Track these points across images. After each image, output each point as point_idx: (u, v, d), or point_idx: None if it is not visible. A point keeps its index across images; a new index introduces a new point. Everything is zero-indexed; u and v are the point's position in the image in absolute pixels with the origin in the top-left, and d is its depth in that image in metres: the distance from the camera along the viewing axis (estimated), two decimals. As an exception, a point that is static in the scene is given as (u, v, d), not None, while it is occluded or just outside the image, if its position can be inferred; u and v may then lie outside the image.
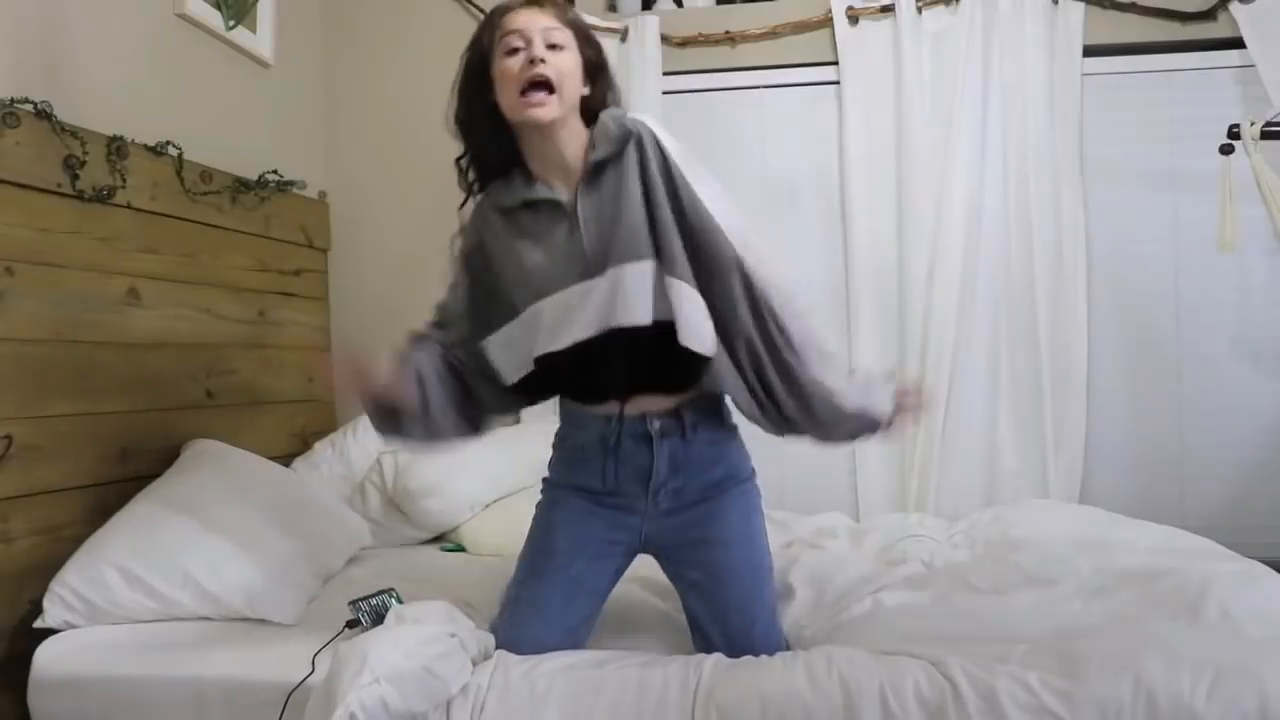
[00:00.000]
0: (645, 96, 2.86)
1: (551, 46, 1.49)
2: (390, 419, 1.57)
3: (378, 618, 1.65)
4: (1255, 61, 2.62)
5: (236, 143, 2.57)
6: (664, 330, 1.47)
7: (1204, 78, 2.77)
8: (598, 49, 1.57)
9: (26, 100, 1.85)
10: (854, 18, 2.84)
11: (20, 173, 1.84)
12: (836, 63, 2.85)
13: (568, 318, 1.51)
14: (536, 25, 1.49)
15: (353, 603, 1.73)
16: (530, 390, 1.62)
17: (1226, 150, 2.45)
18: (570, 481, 1.64)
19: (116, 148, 2.06)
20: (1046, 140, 2.74)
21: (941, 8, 2.80)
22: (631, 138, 1.50)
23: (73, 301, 1.98)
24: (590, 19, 2.88)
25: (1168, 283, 2.80)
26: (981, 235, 2.77)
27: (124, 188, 2.08)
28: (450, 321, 1.65)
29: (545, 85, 1.46)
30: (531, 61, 1.46)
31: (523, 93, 1.46)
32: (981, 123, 2.77)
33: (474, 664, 1.44)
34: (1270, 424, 2.74)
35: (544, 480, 1.71)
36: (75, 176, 1.96)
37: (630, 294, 1.47)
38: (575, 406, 1.64)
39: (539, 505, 1.68)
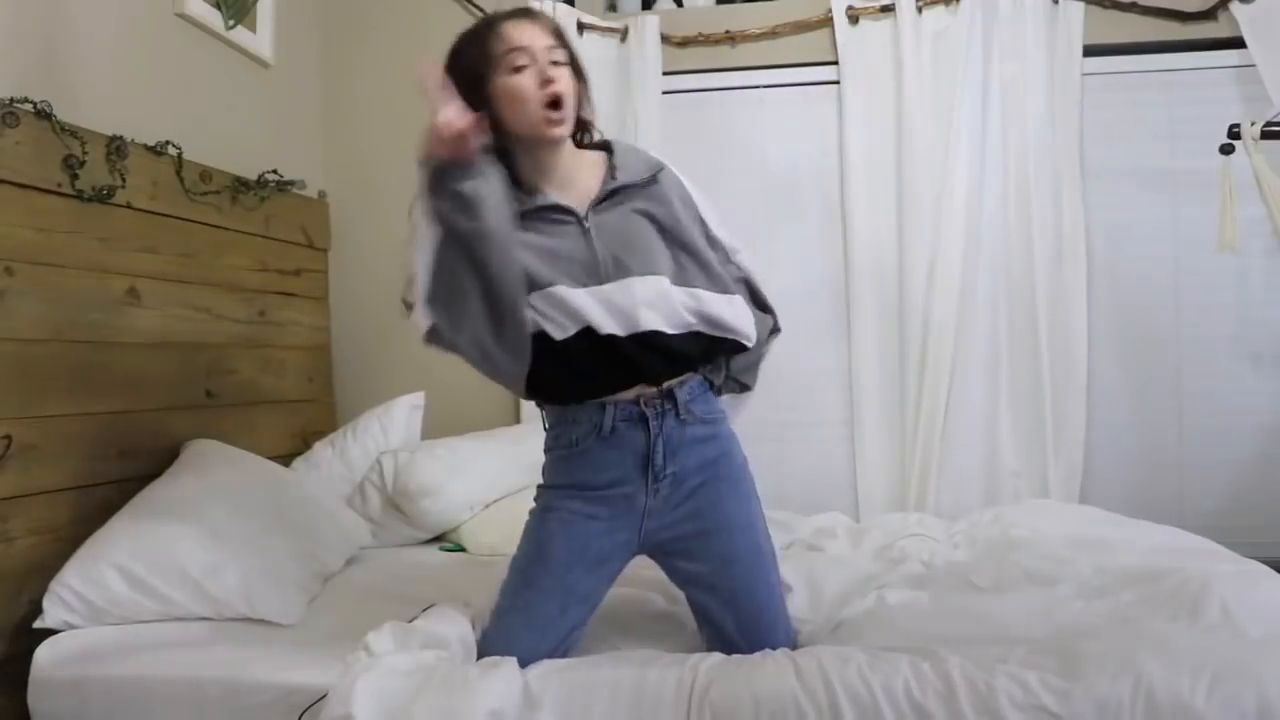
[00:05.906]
0: (645, 96, 2.86)
1: (554, 64, 1.51)
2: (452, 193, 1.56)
3: None
4: (1255, 61, 2.62)
5: (236, 142, 2.57)
6: (690, 332, 1.56)
7: (1204, 78, 2.77)
8: (582, 72, 1.59)
9: (26, 100, 1.85)
10: (854, 17, 2.84)
11: (20, 173, 1.84)
12: (836, 63, 2.86)
13: (595, 307, 1.52)
14: (540, 43, 1.51)
15: None
16: (538, 379, 1.56)
17: (1226, 150, 2.45)
18: (568, 481, 1.62)
19: (116, 147, 2.06)
20: (1046, 140, 2.74)
21: (941, 8, 2.80)
22: (660, 170, 1.61)
23: (73, 301, 1.98)
24: (590, 19, 2.91)
25: (1167, 283, 2.80)
26: (981, 235, 2.77)
27: (124, 187, 2.08)
28: None
29: (560, 102, 1.50)
30: (546, 80, 1.49)
31: (546, 109, 1.49)
32: (981, 123, 2.77)
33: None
34: (1270, 424, 2.74)
35: (539, 488, 1.67)
36: (75, 176, 1.96)
37: (651, 303, 1.53)
38: (565, 406, 1.61)
39: (533, 512, 1.65)
